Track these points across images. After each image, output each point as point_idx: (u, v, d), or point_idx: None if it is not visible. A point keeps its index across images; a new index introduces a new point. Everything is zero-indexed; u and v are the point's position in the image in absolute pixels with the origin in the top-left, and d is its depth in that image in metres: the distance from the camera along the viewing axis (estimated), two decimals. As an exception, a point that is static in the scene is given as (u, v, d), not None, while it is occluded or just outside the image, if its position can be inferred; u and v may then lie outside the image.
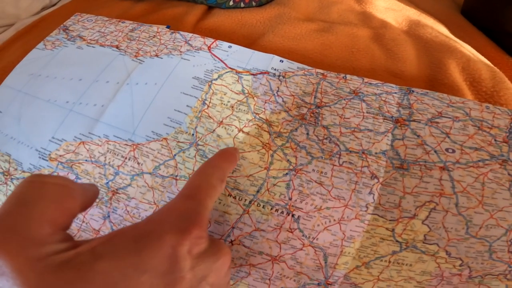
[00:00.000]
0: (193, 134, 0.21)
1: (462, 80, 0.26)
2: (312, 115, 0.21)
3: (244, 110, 0.21)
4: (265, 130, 0.20)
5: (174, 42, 0.25)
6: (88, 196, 0.15)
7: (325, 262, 0.19)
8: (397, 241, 0.19)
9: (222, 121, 0.21)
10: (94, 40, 0.26)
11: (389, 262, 0.19)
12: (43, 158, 0.22)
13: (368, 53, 0.26)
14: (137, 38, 0.26)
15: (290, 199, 0.19)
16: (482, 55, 0.29)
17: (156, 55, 0.24)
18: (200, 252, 0.14)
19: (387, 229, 0.19)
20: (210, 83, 0.22)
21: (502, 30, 0.30)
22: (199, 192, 0.16)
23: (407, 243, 0.19)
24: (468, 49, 0.28)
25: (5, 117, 0.24)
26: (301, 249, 0.19)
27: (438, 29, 0.29)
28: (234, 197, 0.19)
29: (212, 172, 0.17)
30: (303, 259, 0.19)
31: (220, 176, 0.17)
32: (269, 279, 0.19)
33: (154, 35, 0.26)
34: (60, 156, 0.22)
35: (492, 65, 0.27)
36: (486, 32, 0.32)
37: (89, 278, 0.11)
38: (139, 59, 0.24)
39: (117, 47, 0.25)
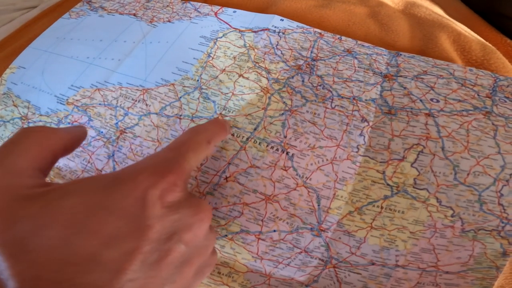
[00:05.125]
0: (197, 80, 0.23)
1: (453, 50, 0.27)
2: (308, 66, 0.23)
3: (245, 60, 0.23)
4: (263, 76, 0.22)
5: (185, 10, 0.28)
6: (71, 136, 0.16)
7: (318, 205, 0.20)
8: (388, 184, 0.19)
9: (224, 69, 0.23)
10: (114, 10, 0.29)
11: (381, 207, 0.19)
12: (60, 103, 0.24)
13: (364, 26, 0.28)
14: (152, 7, 0.29)
15: (285, 137, 0.20)
16: (477, 34, 0.30)
17: (169, 21, 0.27)
18: (174, 201, 0.13)
19: (377, 171, 0.20)
20: (215, 40, 0.24)
21: (497, 13, 0.32)
22: (182, 145, 0.16)
23: (398, 187, 0.19)
24: (460, 26, 0.30)
25: (29, 72, 0.26)
26: (295, 189, 0.20)
27: (432, 9, 0.32)
28: (232, 134, 0.21)
29: (199, 131, 0.17)
30: (297, 200, 0.20)
31: (207, 136, 0.17)
32: (262, 220, 0.20)
33: (168, 5, 0.29)
34: (77, 100, 0.24)
35: (483, 40, 0.28)
36: (483, 16, 0.34)
37: (53, 213, 0.11)
38: (153, 24, 0.27)
39: (134, 15, 0.28)
